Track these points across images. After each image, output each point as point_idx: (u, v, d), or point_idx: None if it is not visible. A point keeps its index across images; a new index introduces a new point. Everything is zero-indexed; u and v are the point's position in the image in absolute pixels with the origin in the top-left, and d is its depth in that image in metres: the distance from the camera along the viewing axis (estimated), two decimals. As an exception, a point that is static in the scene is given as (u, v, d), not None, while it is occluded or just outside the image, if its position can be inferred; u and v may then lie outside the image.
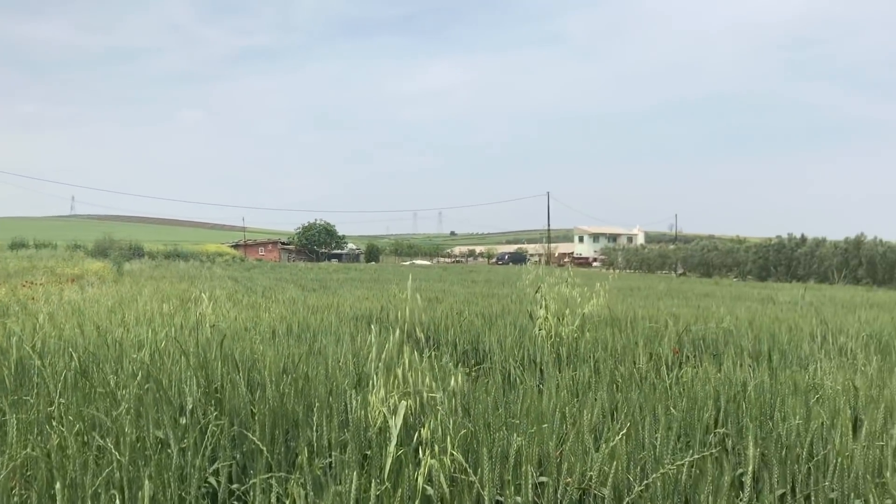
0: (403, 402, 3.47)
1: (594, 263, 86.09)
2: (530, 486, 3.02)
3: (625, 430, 3.46)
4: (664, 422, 3.79)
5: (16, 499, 3.14)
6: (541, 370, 7.00)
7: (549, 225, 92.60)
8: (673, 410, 4.59)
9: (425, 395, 3.92)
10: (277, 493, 3.28)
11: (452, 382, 4.00)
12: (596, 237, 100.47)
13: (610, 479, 3.01)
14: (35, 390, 4.44)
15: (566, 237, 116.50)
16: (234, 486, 3.56)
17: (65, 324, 7.39)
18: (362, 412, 3.79)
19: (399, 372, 3.88)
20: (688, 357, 7.45)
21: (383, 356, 4.10)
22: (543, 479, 3.22)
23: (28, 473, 3.34)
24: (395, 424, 3.34)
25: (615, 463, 3.10)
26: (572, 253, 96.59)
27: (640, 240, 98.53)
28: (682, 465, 3.21)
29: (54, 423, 3.80)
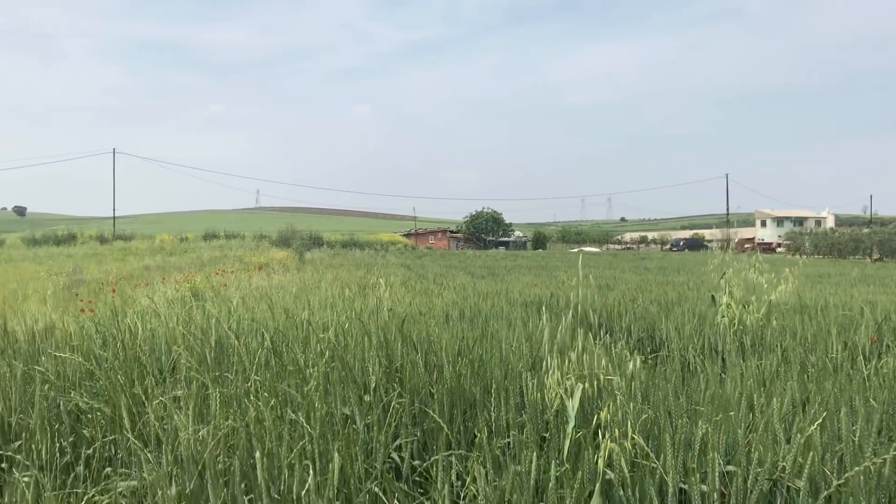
0: (580, 385, 3.44)
1: (778, 249, 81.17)
2: (717, 474, 2.90)
3: (819, 420, 3.24)
4: (863, 413, 3.52)
5: (220, 465, 3.40)
6: (722, 359, 6.71)
7: (727, 209, 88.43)
8: (873, 402, 4.25)
9: (602, 378, 3.87)
10: (458, 470, 3.35)
11: (631, 366, 3.91)
12: (780, 221, 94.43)
13: (806, 471, 2.83)
14: (233, 367, 4.78)
15: (746, 221, 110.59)
16: (416, 462, 3.67)
17: (255, 307, 7.91)
18: (538, 394, 3.78)
19: (573, 355, 3.84)
20: (888, 347, 6.87)
21: (557, 340, 4.08)
22: (731, 468, 3.08)
23: (230, 443, 3.61)
24: (573, 406, 3.31)
25: (811, 454, 2.91)
26: (754, 238, 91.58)
27: (830, 223, 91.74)
28: (887, 459, 2.96)
29: (251, 398, 4.08)
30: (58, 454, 4.21)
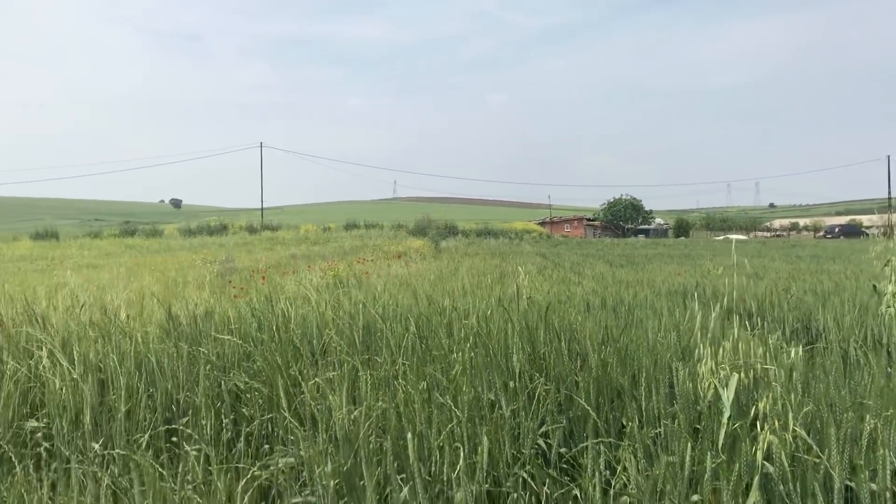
0: (735, 375, 3.30)
1: (955, 235, 74.44)
2: (888, 472, 2.72)
3: None
4: None
5: (372, 445, 3.51)
6: (888, 352, 6.27)
7: (889, 192, 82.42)
8: None
9: (759, 368, 3.70)
10: (606, 458, 3.30)
11: (789, 356, 3.71)
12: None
13: None
14: (381, 351, 4.91)
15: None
16: (563, 449, 3.65)
17: (398, 294, 8.11)
18: (690, 384, 3.67)
19: (727, 344, 3.70)
20: None
21: (709, 329, 3.93)
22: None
23: (381, 424, 3.71)
24: (728, 397, 3.19)
25: None
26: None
27: None
28: None
29: (399, 381, 4.18)
30: (221, 431, 4.47)
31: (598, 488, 2.81)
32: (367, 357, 4.88)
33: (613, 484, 3.10)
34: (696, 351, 3.82)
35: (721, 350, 3.74)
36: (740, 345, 3.75)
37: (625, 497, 3.02)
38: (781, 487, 2.85)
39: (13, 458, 3.63)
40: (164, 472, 3.51)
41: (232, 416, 4.67)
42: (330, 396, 3.75)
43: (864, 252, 10.55)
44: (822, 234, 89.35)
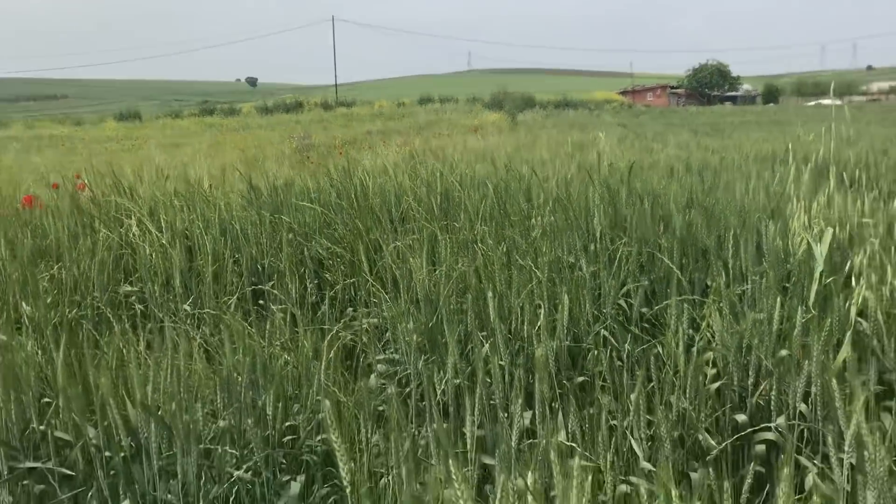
0: (830, 229, 3.16)
1: None
2: None
3: None
4: None
5: (453, 305, 3.54)
6: None
7: None
8: None
9: (855, 222, 3.53)
10: (690, 316, 3.25)
11: (887, 213, 3.51)
12: None
13: None
14: (460, 217, 4.90)
15: None
16: (644, 309, 3.61)
17: (475, 163, 8.02)
18: (780, 241, 3.54)
19: (822, 198, 3.53)
20: None
21: (802, 184, 3.76)
22: None
23: (461, 285, 3.74)
24: (821, 251, 3.06)
25: None
26: None
27: None
28: None
29: (478, 244, 4.18)
30: (306, 295, 4.61)
31: (681, 344, 2.78)
32: (445, 223, 4.88)
33: (697, 340, 3.06)
34: (790, 206, 3.66)
35: (815, 205, 3.57)
36: (836, 199, 3.57)
37: (709, 353, 2.99)
38: (875, 343, 2.76)
39: (111, 319, 3.81)
40: (252, 331, 3.65)
41: (315, 282, 4.79)
42: (410, 259, 3.78)
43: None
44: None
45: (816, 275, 3.01)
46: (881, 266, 3.05)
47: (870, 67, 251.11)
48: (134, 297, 4.56)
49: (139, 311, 4.31)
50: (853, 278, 3.11)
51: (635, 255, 3.85)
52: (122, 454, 2.54)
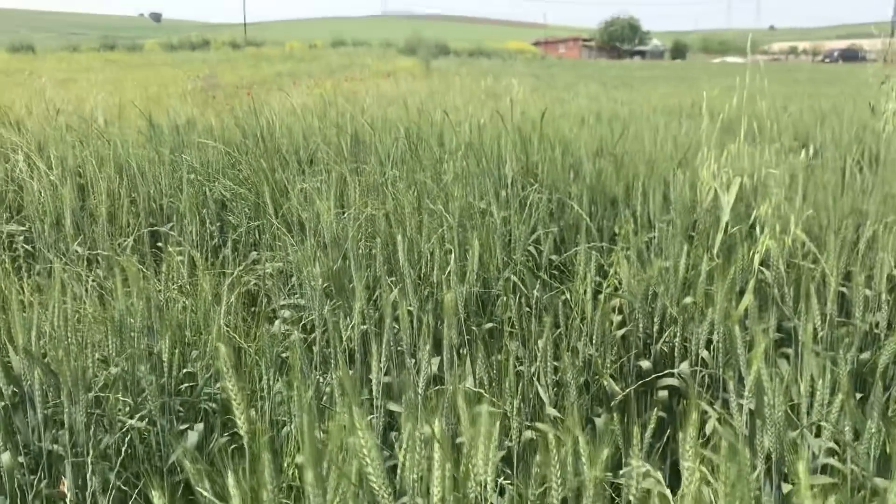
0: (738, 178, 3.20)
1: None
2: (884, 277, 2.69)
3: None
4: None
5: (361, 250, 3.45)
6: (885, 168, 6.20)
7: (895, 14, 79.58)
8: None
9: (762, 172, 3.59)
10: (598, 263, 3.26)
11: (783, 162, 3.58)
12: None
13: None
14: (371, 158, 4.78)
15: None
16: (554, 256, 3.61)
17: (387, 107, 7.85)
18: (687, 191, 3.58)
19: (732, 148, 3.57)
20: None
21: (711, 136, 3.79)
22: (901, 272, 2.85)
23: (369, 229, 3.64)
24: (728, 201, 3.11)
25: None
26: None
27: None
28: None
29: (388, 188, 4.08)
30: (207, 238, 4.42)
31: (588, 291, 2.77)
32: (355, 166, 4.74)
33: (604, 287, 3.07)
34: (700, 154, 3.69)
35: (725, 154, 3.62)
36: (745, 149, 3.63)
37: (615, 300, 3.00)
38: (776, 291, 2.83)
39: (-5, 259, 3.56)
40: (149, 273, 3.47)
41: (218, 224, 4.60)
42: (318, 201, 3.65)
43: (863, 75, 10.22)
44: (820, 58, 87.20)
45: (722, 224, 3.06)
46: (784, 216, 3.12)
47: (772, 27, 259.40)
48: (21, 238, 4.29)
49: (25, 252, 4.05)
50: (757, 228, 3.17)
51: (546, 202, 3.83)
52: (3, 403, 2.38)
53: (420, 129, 5.49)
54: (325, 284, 3.28)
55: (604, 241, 3.68)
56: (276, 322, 3.26)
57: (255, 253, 4.26)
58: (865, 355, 2.68)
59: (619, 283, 3.01)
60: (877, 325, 2.77)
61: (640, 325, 2.83)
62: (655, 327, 2.82)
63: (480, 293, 3.25)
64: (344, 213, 3.83)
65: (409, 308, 2.82)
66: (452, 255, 3.07)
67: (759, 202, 3.31)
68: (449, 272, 2.96)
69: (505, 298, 3.10)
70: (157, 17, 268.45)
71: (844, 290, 2.91)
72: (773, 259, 2.80)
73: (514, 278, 3.26)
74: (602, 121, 7.75)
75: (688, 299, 2.76)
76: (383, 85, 18.77)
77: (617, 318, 2.99)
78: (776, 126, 8.12)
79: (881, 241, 2.86)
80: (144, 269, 3.51)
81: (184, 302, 3.21)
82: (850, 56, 79.06)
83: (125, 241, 4.13)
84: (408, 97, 13.13)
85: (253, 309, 3.58)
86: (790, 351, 2.68)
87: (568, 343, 2.79)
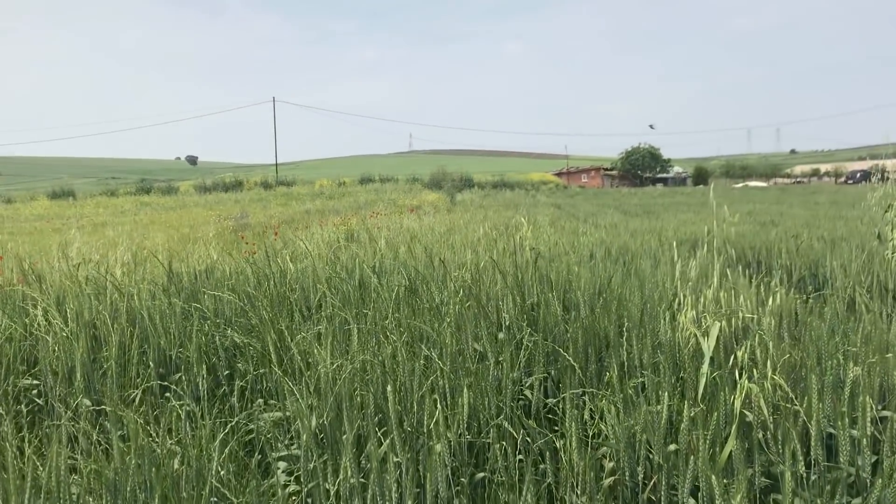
0: (717, 323, 3.25)
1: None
2: (868, 419, 2.67)
3: None
4: None
5: (358, 398, 3.51)
6: (893, 298, 6.20)
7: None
8: None
9: (741, 315, 3.64)
10: (590, 408, 3.29)
11: (770, 302, 3.63)
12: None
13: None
14: (372, 305, 4.90)
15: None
16: (549, 400, 3.63)
17: (399, 247, 8.06)
18: (672, 334, 3.63)
19: (709, 292, 3.64)
20: None
21: (692, 275, 3.87)
22: (886, 413, 2.83)
23: (367, 377, 3.71)
24: (708, 346, 3.15)
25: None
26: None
27: None
28: None
29: (388, 334, 4.17)
30: (218, 385, 4.51)
31: (573, 439, 2.79)
32: (357, 311, 4.86)
33: (592, 433, 3.08)
34: (678, 299, 3.76)
35: (703, 298, 3.68)
36: (721, 294, 3.69)
37: (604, 448, 3.01)
38: (760, 435, 2.82)
39: (3, 415, 3.66)
40: (152, 427, 3.54)
41: (227, 372, 4.70)
42: (316, 350, 3.75)
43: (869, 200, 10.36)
44: (843, 179, 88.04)
45: (704, 368, 3.08)
46: (763, 360, 3.15)
47: (793, 151, 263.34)
48: (35, 392, 4.41)
49: (36, 406, 4.15)
50: (738, 371, 3.19)
51: (541, 345, 3.89)
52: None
53: (425, 272, 5.64)
54: (321, 435, 3.33)
55: (598, 384, 3.70)
56: (279, 472, 3.29)
57: (260, 400, 4.33)
58: (857, 501, 2.64)
59: (607, 431, 3.02)
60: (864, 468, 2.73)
61: (627, 473, 2.82)
62: (640, 476, 2.81)
63: (473, 440, 3.27)
64: (343, 359, 3.91)
65: (396, 459, 2.85)
66: (441, 402, 3.11)
67: (741, 345, 3.34)
68: (437, 422, 3.00)
69: (497, 447, 3.11)
70: (193, 161, 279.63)
71: (833, 430, 2.89)
72: (755, 403, 2.81)
73: (506, 424, 3.28)
74: (611, 256, 7.89)
75: (672, 446, 2.76)
76: (407, 219, 19.26)
77: (609, 465, 2.99)
78: (786, 257, 8.19)
79: (863, 383, 2.86)
80: (147, 423, 3.59)
81: (181, 455, 3.27)
82: (872, 178, 79.53)
83: (133, 392, 4.22)
84: (429, 232, 13.47)
85: (257, 457, 3.61)
86: (779, 497, 2.65)
87: (557, 493, 2.78)
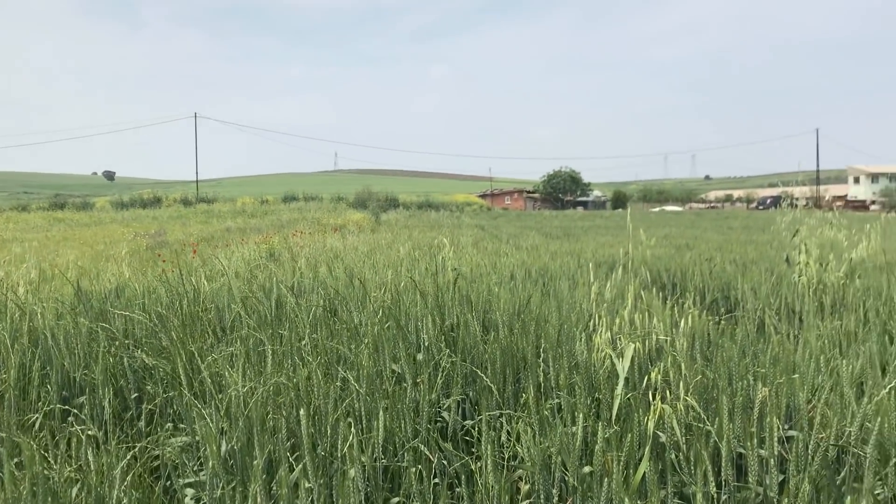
0: (631, 345, 3.29)
1: (872, 206, 77.95)
2: (776, 439, 2.73)
3: (889, 387, 3.02)
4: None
5: (270, 422, 3.40)
6: (800, 319, 6.42)
7: (818, 165, 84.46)
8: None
9: (654, 337, 3.70)
10: (507, 430, 3.27)
11: (683, 323, 3.70)
12: (874, 177, 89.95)
13: (873, 437, 2.63)
14: (289, 325, 4.79)
15: (839, 178, 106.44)
16: (467, 422, 3.60)
17: (319, 267, 7.95)
18: (588, 354, 3.65)
19: (625, 314, 3.68)
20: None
21: (607, 296, 3.92)
22: (792, 433, 2.90)
23: (280, 400, 3.61)
24: (623, 367, 3.17)
25: (880, 419, 2.71)
26: (846, 196, 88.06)
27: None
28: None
29: (305, 356, 4.08)
30: (126, 408, 4.32)
31: (489, 461, 2.76)
32: (271, 332, 4.75)
33: (509, 456, 3.06)
34: (593, 321, 3.79)
35: (619, 320, 3.72)
36: (636, 315, 3.74)
37: (520, 470, 2.99)
38: (673, 456, 2.85)
39: None
40: (50, 453, 3.36)
41: (136, 395, 4.51)
42: (227, 372, 3.63)
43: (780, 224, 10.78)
44: (754, 205, 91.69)
45: (618, 391, 3.11)
46: (676, 381, 3.19)
47: (707, 177, 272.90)
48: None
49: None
50: (651, 393, 3.23)
51: (459, 366, 3.86)
52: None
53: (344, 292, 5.56)
54: (231, 461, 3.21)
55: (514, 406, 3.69)
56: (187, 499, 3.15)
57: (170, 424, 4.16)
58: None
59: (522, 453, 3.00)
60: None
61: (542, 496, 2.80)
62: (555, 498, 2.80)
63: (388, 464, 3.20)
64: (256, 383, 3.80)
65: (308, 486, 2.77)
66: (355, 426, 3.04)
67: (655, 365, 3.39)
68: (351, 445, 2.93)
69: (412, 470, 3.06)
70: (110, 176, 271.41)
71: (742, 450, 2.95)
72: (669, 424, 2.84)
73: (422, 447, 3.23)
74: (531, 277, 7.96)
75: (587, 468, 2.77)
76: (331, 239, 19.06)
77: (525, 487, 2.97)
78: (700, 279, 8.42)
79: (770, 403, 2.93)
80: (45, 450, 3.40)
81: (80, 483, 3.10)
82: (781, 204, 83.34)
83: (32, 416, 4.01)
84: (352, 252, 13.36)
85: (164, 483, 3.46)
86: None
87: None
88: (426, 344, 4.20)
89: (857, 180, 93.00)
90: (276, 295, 5.43)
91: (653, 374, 3.20)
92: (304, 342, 4.39)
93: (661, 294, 8.01)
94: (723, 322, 6.50)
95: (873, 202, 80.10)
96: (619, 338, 3.52)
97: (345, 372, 3.72)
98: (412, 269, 8.12)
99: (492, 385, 3.50)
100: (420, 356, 4.07)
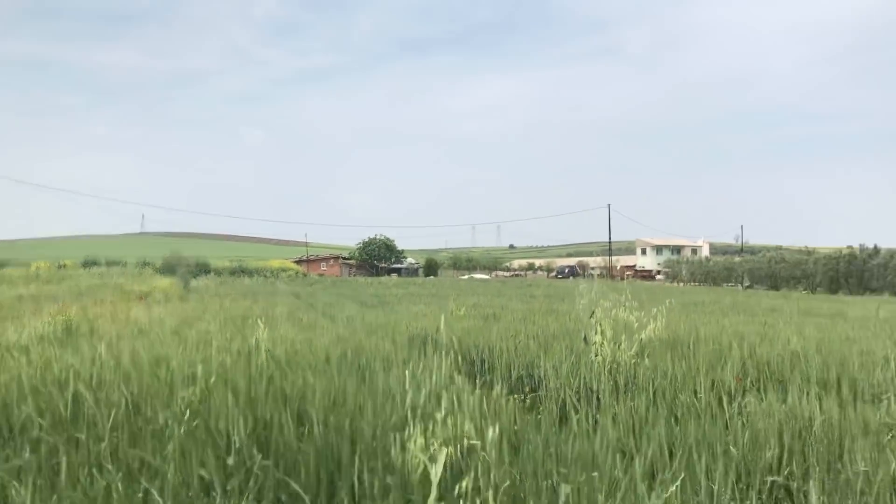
0: (444, 451, 3.37)
1: (657, 276, 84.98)
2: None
3: (678, 482, 3.30)
4: (722, 468, 3.62)
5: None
6: (598, 398, 6.84)
7: (610, 237, 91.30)
8: (732, 449, 4.41)
9: (466, 442, 3.80)
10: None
11: (490, 433, 3.79)
12: (659, 249, 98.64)
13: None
14: (87, 427, 4.48)
15: (628, 249, 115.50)
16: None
17: (122, 353, 7.50)
18: (402, 455, 3.70)
19: (439, 417, 3.78)
20: (752, 384, 7.20)
21: (425, 394, 4.00)
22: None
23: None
24: (435, 474, 3.24)
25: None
26: (635, 266, 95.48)
27: (705, 252, 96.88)
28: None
29: (103, 464, 3.83)
30: None
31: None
32: (69, 434, 4.42)
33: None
34: (408, 428, 3.86)
35: (432, 424, 3.81)
36: (450, 418, 3.85)
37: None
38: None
39: None
40: None
41: None
42: (14, 490, 3.33)
43: (584, 294, 11.50)
44: (554, 274, 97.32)
45: (431, 500, 3.17)
46: (486, 486, 3.31)
47: (511, 246, 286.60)
48: None
49: None
50: (463, 499, 3.32)
51: (272, 470, 3.78)
52: None
53: (150, 386, 5.29)
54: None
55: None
56: None
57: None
58: None
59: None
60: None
61: None
62: None
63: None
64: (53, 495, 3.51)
65: None
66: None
67: (467, 470, 3.49)
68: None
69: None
70: None
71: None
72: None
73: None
74: (346, 359, 7.95)
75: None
76: (134, 310, 17.99)
77: None
78: (507, 357, 8.78)
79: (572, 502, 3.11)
80: None
81: None
82: (578, 273, 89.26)
83: None
84: (158, 325, 12.71)
85: None
86: None
87: None
88: (237, 446, 4.07)
89: (644, 251, 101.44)
90: (73, 390, 5.06)
91: (464, 483, 3.29)
92: (104, 444, 4.12)
93: (471, 370, 8.28)
94: (528, 400, 6.81)
95: (658, 272, 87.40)
96: (432, 442, 3.60)
97: (148, 484, 3.52)
98: (224, 350, 7.85)
99: (304, 495, 3.44)
100: (231, 460, 3.94)
